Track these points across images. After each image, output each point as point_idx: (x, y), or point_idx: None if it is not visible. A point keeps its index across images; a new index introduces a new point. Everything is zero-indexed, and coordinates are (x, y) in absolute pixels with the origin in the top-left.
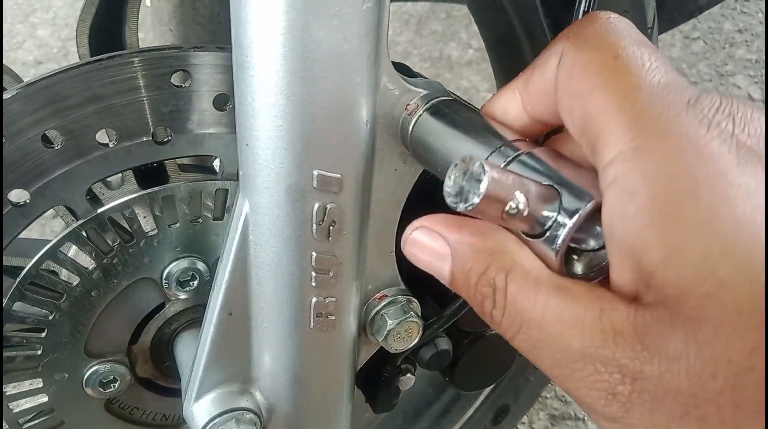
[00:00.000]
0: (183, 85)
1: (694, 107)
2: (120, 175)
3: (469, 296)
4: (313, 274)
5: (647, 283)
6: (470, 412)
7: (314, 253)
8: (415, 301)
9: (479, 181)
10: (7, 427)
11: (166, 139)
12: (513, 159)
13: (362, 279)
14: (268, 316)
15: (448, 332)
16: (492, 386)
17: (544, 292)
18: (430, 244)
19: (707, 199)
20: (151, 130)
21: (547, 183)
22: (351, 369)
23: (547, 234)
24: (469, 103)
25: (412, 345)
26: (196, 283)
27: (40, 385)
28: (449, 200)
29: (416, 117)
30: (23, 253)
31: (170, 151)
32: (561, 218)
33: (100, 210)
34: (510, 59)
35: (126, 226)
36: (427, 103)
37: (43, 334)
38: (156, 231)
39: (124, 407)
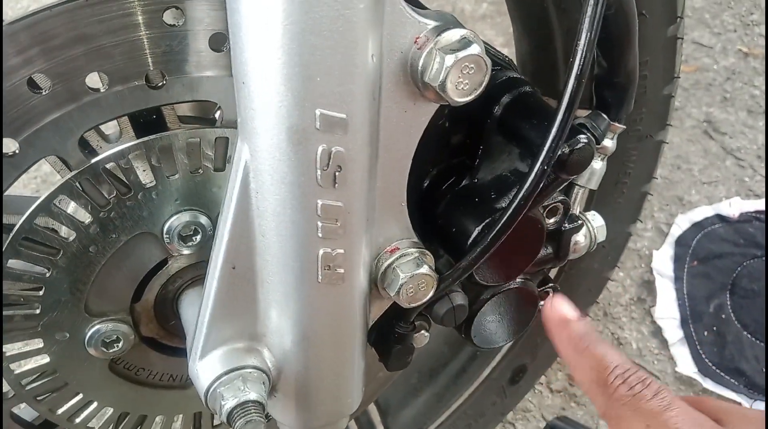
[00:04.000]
0: (176, 23)
1: None
2: (118, 128)
3: None
4: (319, 223)
5: None
6: (487, 371)
7: (320, 202)
8: (429, 254)
9: None
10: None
11: (160, 84)
12: None
13: (372, 231)
14: (273, 270)
15: (464, 286)
16: (509, 345)
17: None
18: None
19: None
20: (144, 73)
21: None
22: (362, 325)
23: None
24: None
25: (425, 300)
26: (198, 237)
27: (41, 345)
28: None
29: (426, 51)
30: (18, 210)
31: (166, 97)
32: None
33: (94, 160)
34: (529, 10)
35: (122, 177)
36: (438, 35)
37: (41, 292)
38: (154, 182)
39: (129, 368)
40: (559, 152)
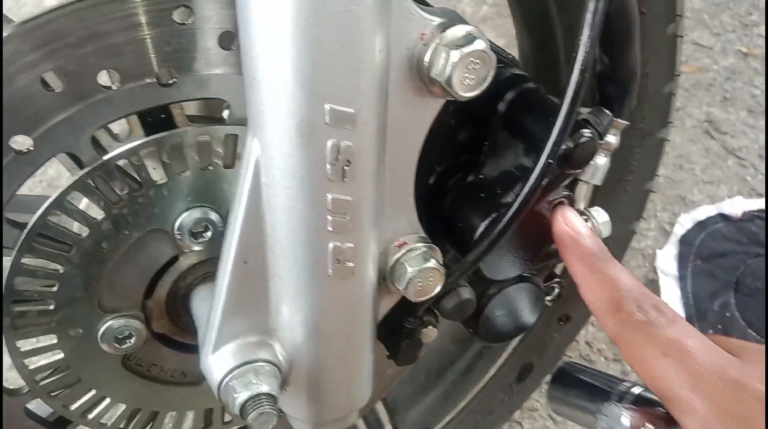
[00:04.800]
0: (186, 22)
1: (734, 391)
2: (127, 127)
3: None
4: (330, 218)
5: None
6: (494, 369)
7: (329, 196)
8: (436, 248)
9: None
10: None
11: (170, 81)
12: (635, 398)
13: (381, 225)
14: (284, 264)
15: (472, 282)
16: (516, 342)
17: None
18: None
19: None
20: (155, 71)
21: (661, 410)
22: (371, 319)
23: None
24: None
25: (433, 294)
26: (209, 234)
27: (55, 341)
28: None
29: (432, 47)
30: (30, 209)
31: (176, 94)
32: None
33: (106, 157)
34: (530, 8)
35: (134, 174)
36: (443, 31)
37: (55, 289)
38: (165, 179)
39: (141, 364)
40: (564, 146)
